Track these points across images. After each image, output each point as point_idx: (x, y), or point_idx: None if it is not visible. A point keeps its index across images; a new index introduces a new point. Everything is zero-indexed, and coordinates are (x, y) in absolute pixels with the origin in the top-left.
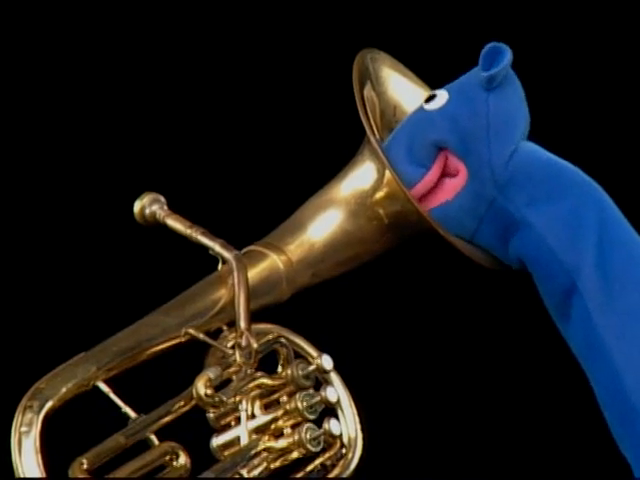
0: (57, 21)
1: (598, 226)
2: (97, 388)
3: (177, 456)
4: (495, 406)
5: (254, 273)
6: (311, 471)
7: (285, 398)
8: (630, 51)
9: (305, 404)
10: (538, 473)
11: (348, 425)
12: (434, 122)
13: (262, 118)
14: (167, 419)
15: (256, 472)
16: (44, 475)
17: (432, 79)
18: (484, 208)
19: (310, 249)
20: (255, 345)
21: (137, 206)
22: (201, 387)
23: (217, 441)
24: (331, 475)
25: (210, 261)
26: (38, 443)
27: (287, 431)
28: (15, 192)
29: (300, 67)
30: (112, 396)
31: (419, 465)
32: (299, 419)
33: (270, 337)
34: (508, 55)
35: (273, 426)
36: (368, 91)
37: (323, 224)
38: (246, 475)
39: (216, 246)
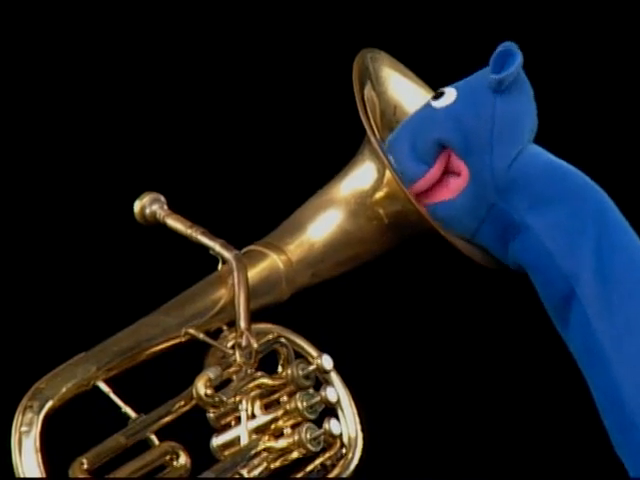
0: (57, 21)
1: (598, 231)
2: (97, 388)
3: (177, 456)
4: (495, 406)
5: (254, 273)
6: (311, 471)
7: (285, 398)
8: (633, 53)
9: (305, 404)
10: (538, 473)
11: (348, 425)
12: (439, 120)
13: (262, 118)
14: (167, 419)
15: (256, 472)
16: (44, 475)
17: (432, 79)
18: (484, 209)
19: (310, 249)
20: (255, 345)
21: (137, 206)
22: (201, 387)
23: (217, 441)
24: (331, 475)
25: (210, 261)
26: (38, 443)
27: (287, 431)
28: (15, 192)
29: (300, 67)
30: (112, 396)
31: (419, 465)
32: (299, 419)
33: (270, 337)
34: (518, 59)
35: (273, 426)
36: (368, 91)
37: (323, 224)
38: (246, 475)
39: (216, 246)
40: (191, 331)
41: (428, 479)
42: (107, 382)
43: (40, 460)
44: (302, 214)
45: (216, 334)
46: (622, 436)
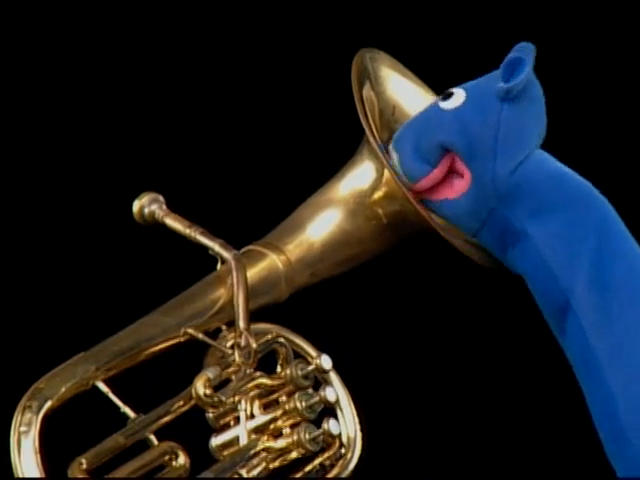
0: (57, 21)
1: (599, 240)
2: (96, 388)
3: (176, 456)
4: (495, 406)
5: (253, 273)
6: (310, 471)
7: (284, 398)
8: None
9: (304, 404)
10: (537, 472)
11: (347, 425)
12: (444, 123)
13: (261, 118)
14: (166, 419)
15: (255, 472)
16: (43, 475)
17: (432, 79)
18: (485, 213)
19: (309, 249)
20: (254, 345)
21: (136, 206)
22: (200, 387)
23: (216, 441)
24: (330, 475)
25: (209, 261)
26: (37, 443)
27: (286, 431)
28: (15, 192)
29: (300, 67)
30: (111, 396)
31: (419, 465)
32: (298, 419)
33: (269, 337)
34: (527, 69)
35: (272, 426)
36: (367, 91)
37: (322, 224)
38: (245, 475)
39: (215, 246)
40: (190, 331)
41: (428, 479)
42: (106, 382)
43: (39, 460)
44: (301, 214)
45: (215, 334)
46: (616, 448)
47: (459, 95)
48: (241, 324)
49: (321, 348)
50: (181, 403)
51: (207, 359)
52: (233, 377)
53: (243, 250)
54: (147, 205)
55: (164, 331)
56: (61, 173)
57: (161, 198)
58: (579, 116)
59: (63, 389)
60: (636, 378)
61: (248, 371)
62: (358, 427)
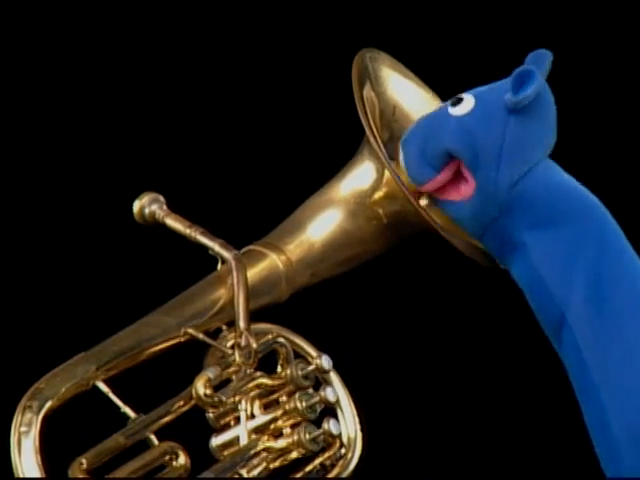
0: (57, 21)
1: (596, 256)
2: (96, 388)
3: (177, 456)
4: (495, 406)
5: (253, 273)
6: (310, 471)
7: (284, 398)
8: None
9: (304, 404)
10: (537, 472)
11: (347, 425)
12: (451, 130)
13: (262, 118)
14: (167, 419)
15: (255, 472)
16: (43, 475)
17: (432, 79)
18: (487, 221)
19: (309, 249)
20: (254, 345)
21: (136, 206)
22: (200, 387)
23: (216, 441)
24: (330, 475)
25: (210, 261)
26: (37, 443)
27: (286, 431)
28: (15, 192)
29: (300, 67)
30: (111, 396)
31: (418, 465)
32: (298, 419)
33: (269, 337)
34: (536, 83)
35: (272, 426)
36: (367, 91)
37: (322, 224)
38: (245, 475)
39: (215, 246)
40: (190, 331)
41: (428, 479)
42: (106, 382)
43: (39, 460)
44: (301, 214)
45: (215, 334)
46: (608, 460)
47: (468, 102)
48: (241, 324)
49: (321, 348)
50: (181, 403)
51: (207, 359)
52: (233, 377)
53: (243, 250)
54: (147, 205)
55: (164, 331)
56: (61, 173)
57: (161, 198)
58: (584, 124)
59: (63, 389)
60: (629, 394)
61: (248, 371)
62: (358, 427)
